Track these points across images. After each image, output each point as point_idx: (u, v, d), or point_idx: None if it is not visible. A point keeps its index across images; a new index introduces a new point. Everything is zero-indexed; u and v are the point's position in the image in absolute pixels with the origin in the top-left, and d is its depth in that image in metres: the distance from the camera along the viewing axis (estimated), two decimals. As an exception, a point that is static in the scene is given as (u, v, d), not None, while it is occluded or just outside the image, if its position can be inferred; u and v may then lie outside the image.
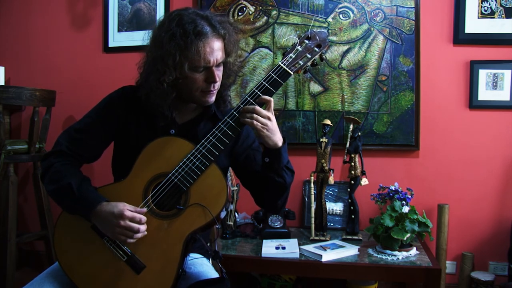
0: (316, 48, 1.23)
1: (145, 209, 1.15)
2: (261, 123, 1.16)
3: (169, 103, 1.23)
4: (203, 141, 1.17)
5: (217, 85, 1.25)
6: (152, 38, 1.23)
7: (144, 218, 1.13)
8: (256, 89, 1.19)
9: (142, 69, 1.27)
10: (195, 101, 1.27)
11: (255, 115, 1.15)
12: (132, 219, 1.11)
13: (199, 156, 1.16)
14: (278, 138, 1.21)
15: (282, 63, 1.21)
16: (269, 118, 1.17)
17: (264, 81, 1.19)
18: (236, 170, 1.39)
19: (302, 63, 1.22)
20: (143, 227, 1.13)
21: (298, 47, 1.23)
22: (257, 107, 1.16)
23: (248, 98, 1.18)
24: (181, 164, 1.16)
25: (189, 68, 1.18)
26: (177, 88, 1.22)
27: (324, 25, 2.33)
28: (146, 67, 1.24)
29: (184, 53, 1.16)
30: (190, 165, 1.15)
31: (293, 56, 1.22)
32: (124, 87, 1.33)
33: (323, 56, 1.26)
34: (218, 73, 1.23)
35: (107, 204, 1.14)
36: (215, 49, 1.19)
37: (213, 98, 1.26)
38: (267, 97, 1.18)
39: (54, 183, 1.20)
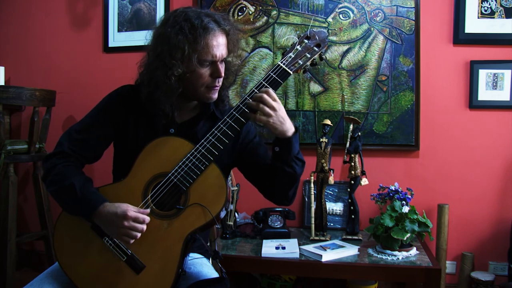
0: (315, 48, 1.23)
1: (148, 210, 1.15)
2: (266, 114, 1.16)
3: (173, 100, 1.24)
4: (202, 140, 1.17)
5: (221, 81, 1.26)
6: (157, 34, 1.23)
7: (147, 219, 1.13)
8: (256, 88, 1.19)
9: (144, 68, 1.27)
10: (199, 97, 1.27)
11: (260, 105, 1.16)
12: (136, 219, 1.11)
13: (198, 156, 1.16)
14: (286, 128, 1.20)
15: (281, 62, 1.21)
16: (273, 109, 1.17)
17: (263, 80, 1.20)
18: (241, 167, 1.39)
19: (301, 63, 1.22)
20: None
21: (298, 47, 1.23)
22: (265, 97, 1.16)
23: (248, 98, 1.18)
24: (180, 164, 1.16)
25: (197, 61, 1.19)
26: (183, 84, 1.23)
27: (324, 25, 2.33)
28: (150, 64, 1.24)
29: (193, 46, 1.17)
30: (190, 164, 1.15)
31: (293, 56, 1.22)
32: (123, 86, 1.33)
33: (323, 56, 1.26)
34: (222, 69, 1.24)
35: (110, 205, 1.14)
36: (221, 43, 1.21)
37: (216, 95, 1.27)
38: (269, 90, 1.18)
39: (56, 184, 1.20)
